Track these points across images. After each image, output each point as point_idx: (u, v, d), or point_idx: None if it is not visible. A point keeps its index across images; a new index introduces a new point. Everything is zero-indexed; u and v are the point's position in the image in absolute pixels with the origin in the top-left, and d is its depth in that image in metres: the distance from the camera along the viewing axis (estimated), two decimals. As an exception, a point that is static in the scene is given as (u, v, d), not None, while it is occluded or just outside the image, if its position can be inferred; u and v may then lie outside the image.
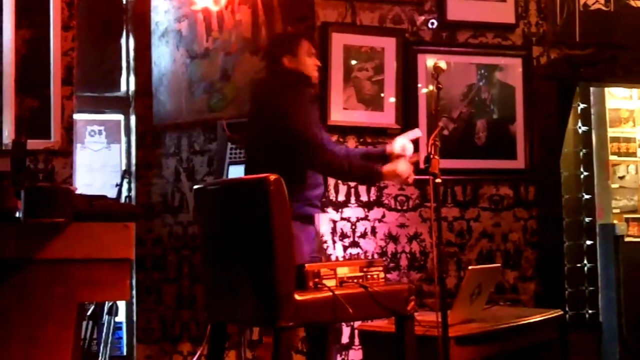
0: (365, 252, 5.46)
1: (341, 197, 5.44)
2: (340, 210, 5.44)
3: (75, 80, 5.60)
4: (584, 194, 6.33)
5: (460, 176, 5.72)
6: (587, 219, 6.29)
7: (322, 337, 4.23)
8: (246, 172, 4.40)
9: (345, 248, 5.43)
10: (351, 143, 5.49)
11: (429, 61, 5.58)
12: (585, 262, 6.27)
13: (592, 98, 6.46)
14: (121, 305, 5.91)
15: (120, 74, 6.39)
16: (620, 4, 6.15)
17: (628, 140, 6.76)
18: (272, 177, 3.44)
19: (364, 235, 5.49)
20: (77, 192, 3.34)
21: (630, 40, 6.11)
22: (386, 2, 5.69)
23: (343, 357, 5.30)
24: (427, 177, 3.90)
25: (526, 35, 5.98)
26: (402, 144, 4.37)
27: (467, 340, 4.09)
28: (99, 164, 6.40)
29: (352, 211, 5.48)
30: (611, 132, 6.60)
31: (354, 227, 5.48)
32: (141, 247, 5.93)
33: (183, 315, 5.90)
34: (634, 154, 6.78)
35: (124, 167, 6.24)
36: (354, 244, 5.46)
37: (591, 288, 6.22)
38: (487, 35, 5.91)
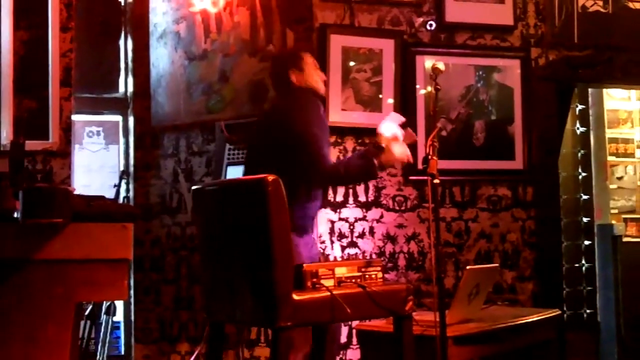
0: (364, 253, 5.46)
1: (339, 198, 5.44)
2: (338, 210, 5.44)
3: (73, 81, 5.61)
4: (582, 194, 6.34)
5: (459, 177, 5.73)
6: (585, 220, 6.31)
7: (320, 337, 4.24)
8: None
9: (343, 248, 5.44)
10: (349, 144, 5.50)
11: (428, 62, 5.59)
12: (584, 262, 6.28)
13: (590, 99, 6.48)
14: (119, 305, 5.92)
15: (118, 75, 6.40)
16: (618, 5, 6.15)
17: (626, 141, 6.78)
18: (271, 177, 3.45)
19: (362, 235, 5.50)
20: (76, 192, 3.35)
21: (629, 41, 6.12)
22: (384, 4, 5.69)
23: (341, 356, 5.30)
24: (426, 177, 3.90)
25: (524, 37, 5.98)
26: (389, 130, 4.30)
27: (465, 340, 4.10)
28: (97, 164, 6.40)
29: (350, 211, 5.49)
30: (609, 133, 6.62)
31: (352, 227, 5.48)
32: (139, 248, 5.94)
33: (181, 316, 5.91)
34: (632, 155, 6.79)
35: (122, 168, 6.25)
36: (352, 244, 5.46)
37: (589, 288, 6.24)
38: (485, 36, 5.91)
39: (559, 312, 4.97)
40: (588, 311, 6.21)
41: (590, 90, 6.43)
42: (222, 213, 3.77)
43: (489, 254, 5.77)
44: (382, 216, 5.56)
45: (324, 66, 5.32)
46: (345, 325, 5.25)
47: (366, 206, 5.52)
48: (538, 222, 5.87)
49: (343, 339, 5.30)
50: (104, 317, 5.56)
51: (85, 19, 6.15)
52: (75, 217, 3.14)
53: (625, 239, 6.30)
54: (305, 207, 4.23)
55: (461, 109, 5.81)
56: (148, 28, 6.17)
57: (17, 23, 5.47)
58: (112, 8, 6.40)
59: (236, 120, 5.37)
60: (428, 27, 5.77)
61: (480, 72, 5.86)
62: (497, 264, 5.58)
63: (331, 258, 5.35)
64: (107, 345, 5.55)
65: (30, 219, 3.06)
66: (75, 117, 5.72)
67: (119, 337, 6.18)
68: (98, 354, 5.49)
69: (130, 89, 6.35)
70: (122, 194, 5.88)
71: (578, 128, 6.42)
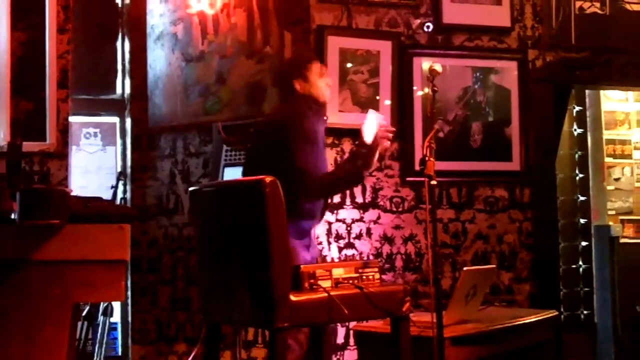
0: (361, 254, 5.46)
1: (336, 199, 5.44)
2: (335, 211, 5.44)
3: (70, 82, 5.61)
4: (579, 195, 6.35)
5: (456, 178, 5.73)
6: (582, 221, 6.32)
7: (317, 338, 4.24)
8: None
9: (340, 249, 5.44)
10: (347, 145, 5.49)
11: (425, 64, 5.52)
12: (581, 263, 6.29)
13: (587, 101, 6.50)
14: (116, 306, 5.91)
15: (115, 77, 6.40)
16: (615, 7, 6.15)
17: (623, 142, 6.79)
18: (268, 179, 3.45)
19: (359, 236, 5.50)
20: (73, 194, 3.35)
21: (626, 43, 6.12)
22: (382, 6, 5.69)
23: (338, 357, 5.30)
24: (423, 179, 3.91)
25: (522, 39, 5.98)
26: (370, 133, 4.28)
27: (462, 341, 4.11)
28: (95, 166, 6.40)
29: (348, 213, 5.49)
30: (607, 135, 6.63)
31: (349, 228, 5.48)
32: (136, 249, 5.93)
33: (178, 317, 5.91)
34: (629, 156, 6.80)
35: (119, 169, 6.24)
36: (349, 245, 5.47)
37: (586, 289, 6.24)
38: (482, 38, 5.92)
39: (556, 313, 4.98)
40: (585, 312, 6.22)
41: (587, 91, 6.44)
42: (219, 214, 3.78)
43: (486, 255, 5.77)
44: (379, 217, 5.56)
45: (321, 68, 5.33)
46: (342, 326, 5.26)
47: (363, 207, 5.53)
48: (535, 223, 5.87)
49: (340, 340, 5.31)
50: (101, 318, 5.55)
51: (82, 21, 6.15)
52: (73, 219, 3.14)
53: (622, 240, 6.31)
54: (304, 210, 4.23)
55: (458, 111, 5.81)
56: (145, 30, 6.17)
57: (15, 24, 5.47)
58: (109, 10, 6.40)
59: (233, 121, 5.37)
60: (425, 29, 5.78)
61: (478, 74, 5.87)
62: (494, 265, 5.58)
63: (328, 259, 5.35)
64: (104, 346, 5.54)
65: (27, 220, 3.07)
66: (72, 119, 5.73)
67: (116, 338, 6.18)
68: (95, 354, 5.48)
69: (128, 90, 6.35)
70: (119, 195, 5.87)
71: (575, 129, 6.43)
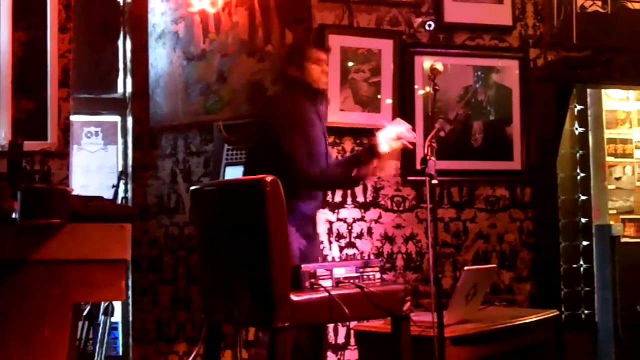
0: (362, 253, 5.46)
1: (337, 198, 5.44)
2: (336, 211, 5.44)
3: (72, 82, 5.62)
4: (580, 195, 6.35)
5: (457, 177, 5.73)
6: (583, 220, 6.31)
7: (317, 338, 4.24)
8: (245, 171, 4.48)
9: (341, 249, 5.44)
10: (348, 144, 5.49)
11: (426, 63, 5.54)
12: (581, 262, 6.29)
13: (589, 100, 6.49)
14: (117, 305, 5.92)
15: (117, 76, 6.40)
16: (617, 6, 6.14)
17: (625, 141, 6.79)
18: (269, 178, 3.45)
19: (360, 235, 5.50)
20: (74, 193, 3.35)
21: (627, 42, 6.11)
22: (383, 4, 5.68)
23: (339, 357, 5.31)
24: (424, 178, 3.91)
25: (523, 38, 5.98)
26: (387, 140, 4.25)
27: (462, 341, 4.11)
28: (96, 165, 6.41)
29: (349, 212, 5.49)
30: (608, 134, 6.63)
31: (350, 227, 5.48)
32: (137, 248, 5.94)
33: (179, 316, 5.91)
34: (630, 155, 6.80)
35: (120, 169, 6.25)
36: (350, 245, 5.47)
37: (587, 288, 6.24)
38: (484, 37, 5.91)
39: (557, 312, 4.99)
40: (586, 311, 6.21)
41: (588, 90, 6.44)
42: (220, 213, 3.78)
43: (487, 255, 5.77)
44: (380, 217, 5.56)
45: (322, 66, 5.33)
46: (343, 326, 5.26)
47: (364, 207, 5.53)
48: (536, 222, 5.87)
49: (341, 339, 5.32)
50: (101, 317, 5.56)
51: (83, 20, 6.16)
52: (74, 218, 3.14)
53: (623, 240, 6.31)
54: (303, 205, 4.23)
55: (459, 110, 5.81)
56: (147, 28, 6.18)
57: (16, 24, 5.48)
58: (111, 8, 6.41)
59: (234, 120, 5.36)
60: (427, 28, 5.77)
61: (479, 73, 5.86)
62: (494, 265, 5.58)
63: (329, 258, 5.35)
64: (104, 345, 5.54)
65: (28, 220, 3.06)
66: (73, 118, 5.74)
67: (116, 338, 6.19)
68: (96, 354, 5.49)
69: (129, 89, 6.35)
70: (121, 194, 5.88)
71: (576, 128, 6.43)
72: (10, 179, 3.35)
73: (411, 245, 5.60)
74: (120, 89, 6.41)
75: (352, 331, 5.07)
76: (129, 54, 6.37)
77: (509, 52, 5.94)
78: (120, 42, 6.42)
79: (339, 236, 5.45)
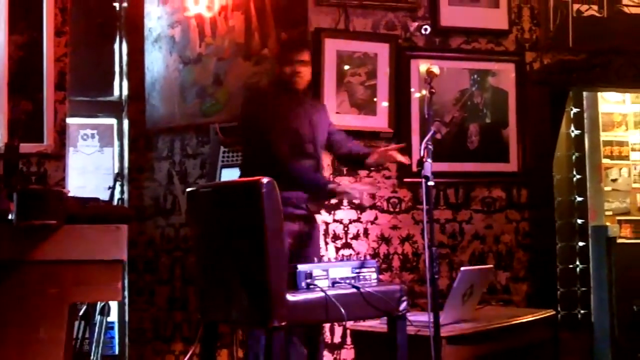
0: (358, 254, 5.47)
1: (334, 199, 5.44)
2: (332, 212, 5.45)
3: (68, 85, 5.62)
4: (576, 196, 6.36)
5: (453, 179, 5.74)
6: (579, 221, 6.32)
7: (313, 338, 4.25)
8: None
9: (337, 249, 5.45)
10: (343, 147, 5.50)
11: (422, 66, 5.56)
12: (578, 263, 6.30)
13: (585, 102, 6.50)
14: (113, 305, 5.91)
15: (113, 79, 6.42)
16: (613, 9, 6.14)
17: (621, 143, 6.82)
18: (265, 179, 3.46)
19: (356, 236, 5.51)
20: (70, 194, 3.36)
21: (623, 45, 6.12)
22: (379, 8, 5.69)
23: (335, 356, 5.31)
24: (420, 179, 3.92)
25: (519, 41, 5.98)
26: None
27: (459, 340, 4.11)
28: (92, 167, 6.42)
29: (345, 213, 5.49)
30: (604, 136, 6.66)
31: (346, 228, 5.49)
32: (133, 249, 5.93)
33: (175, 316, 5.91)
34: (626, 157, 6.84)
35: (116, 170, 6.26)
36: (347, 246, 5.47)
37: (583, 289, 6.25)
38: (480, 40, 5.92)
39: (553, 312, 5.00)
40: (582, 311, 6.22)
41: (585, 93, 6.45)
42: (216, 215, 3.79)
43: (483, 255, 5.78)
44: (376, 218, 5.57)
45: (318, 70, 5.34)
46: (339, 326, 5.27)
47: (361, 208, 5.53)
48: (532, 223, 5.88)
49: (337, 339, 5.32)
50: (98, 317, 5.55)
51: (80, 23, 6.17)
52: (70, 219, 3.16)
53: (619, 241, 6.33)
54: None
55: (456, 113, 5.82)
56: (143, 32, 6.19)
57: (13, 27, 5.48)
58: (107, 12, 6.42)
59: (230, 123, 5.38)
60: (423, 32, 5.78)
61: (475, 76, 5.87)
62: (491, 265, 5.59)
63: (325, 259, 5.35)
64: (101, 345, 5.54)
65: (24, 221, 3.08)
66: (70, 120, 5.74)
67: (113, 338, 6.19)
68: (92, 354, 5.48)
69: (125, 92, 6.37)
70: (117, 196, 5.89)
71: (573, 131, 6.44)
72: (7, 180, 3.37)
73: (407, 246, 5.61)
74: (116, 92, 6.42)
75: (348, 331, 5.08)
76: (125, 57, 6.39)
77: (505, 55, 5.94)
78: (116, 46, 6.43)
79: (336, 237, 5.45)
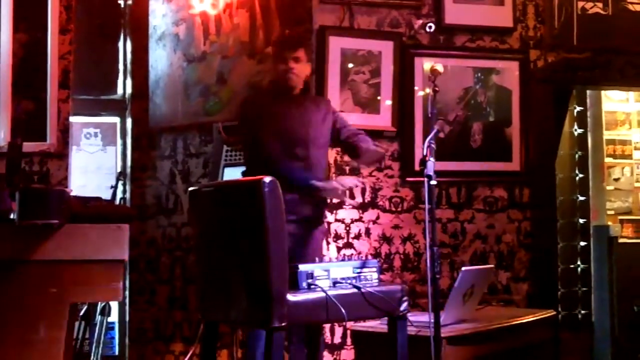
0: (359, 253, 5.47)
1: (335, 199, 5.45)
2: (334, 211, 5.45)
3: (71, 83, 5.63)
4: (578, 195, 6.34)
5: (456, 178, 5.73)
6: (581, 221, 6.31)
7: (313, 338, 4.26)
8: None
9: (339, 249, 5.45)
10: (346, 145, 5.50)
11: (426, 64, 5.57)
12: (579, 263, 6.29)
13: (588, 101, 6.47)
14: (114, 305, 5.92)
15: (117, 77, 6.42)
16: (618, 7, 6.13)
17: (624, 142, 6.81)
18: (267, 179, 3.46)
19: (358, 236, 5.51)
20: (72, 194, 3.36)
21: (628, 44, 6.10)
22: (384, 6, 5.69)
23: (335, 357, 5.32)
24: (422, 179, 3.92)
25: (523, 39, 5.98)
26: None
27: (459, 340, 4.12)
28: (95, 166, 6.42)
29: (347, 212, 5.50)
30: (607, 135, 6.64)
31: (348, 228, 5.49)
32: (135, 248, 5.94)
33: (175, 316, 5.92)
34: (629, 156, 6.82)
35: (119, 169, 6.26)
36: (348, 245, 5.48)
37: (584, 289, 6.24)
38: (484, 38, 5.91)
39: (554, 312, 5.00)
40: (583, 312, 6.21)
41: (588, 92, 6.42)
42: (218, 214, 3.79)
43: (485, 255, 5.78)
44: (378, 217, 5.57)
45: (322, 68, 5.34)
46: (339, 326, 5.27)
47: (362, 207, 5.53)
48: (534, 223, 5.88)
49: (337, 339, 5.33)
50: (98, 317, 5.56)
51: (84, 21, 6.17)
52: (72, 218, 3.16)
53: (621, 240, 6.32)
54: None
55: (459, 111, 5.81)
56: (147, 30, 6.19)
57: (17, 25, 5.50)
58: (112, 10, 6.43)
59: (233, 122, 5.37)
60: (427, 29, 5.77)
61: (479, 74, 5.87)
62: (492, 265, 5.58)
63: (326, 259, 5.36)
64: (101, 345, 5.55)
65: (26, 220, 3.08)
66: (73, 119, 5.75)
67: (113, 338, 6.19)
68: (92, 354, 5.49)
69: (129, 90, 6.37)
70: (119, 195, 5.90)
71: (576, 130, 6.42)
72: (9, 179, 3.36)
73: (409, 245, 5.61)
74: (119, 90, 6.42)
75: (348, 331, 5.08)
76: (129, 56, 6.39)
77: (509, 53, 5.94)
78: (120, 44, 6.43)
79: (337, 237, 5.45)
